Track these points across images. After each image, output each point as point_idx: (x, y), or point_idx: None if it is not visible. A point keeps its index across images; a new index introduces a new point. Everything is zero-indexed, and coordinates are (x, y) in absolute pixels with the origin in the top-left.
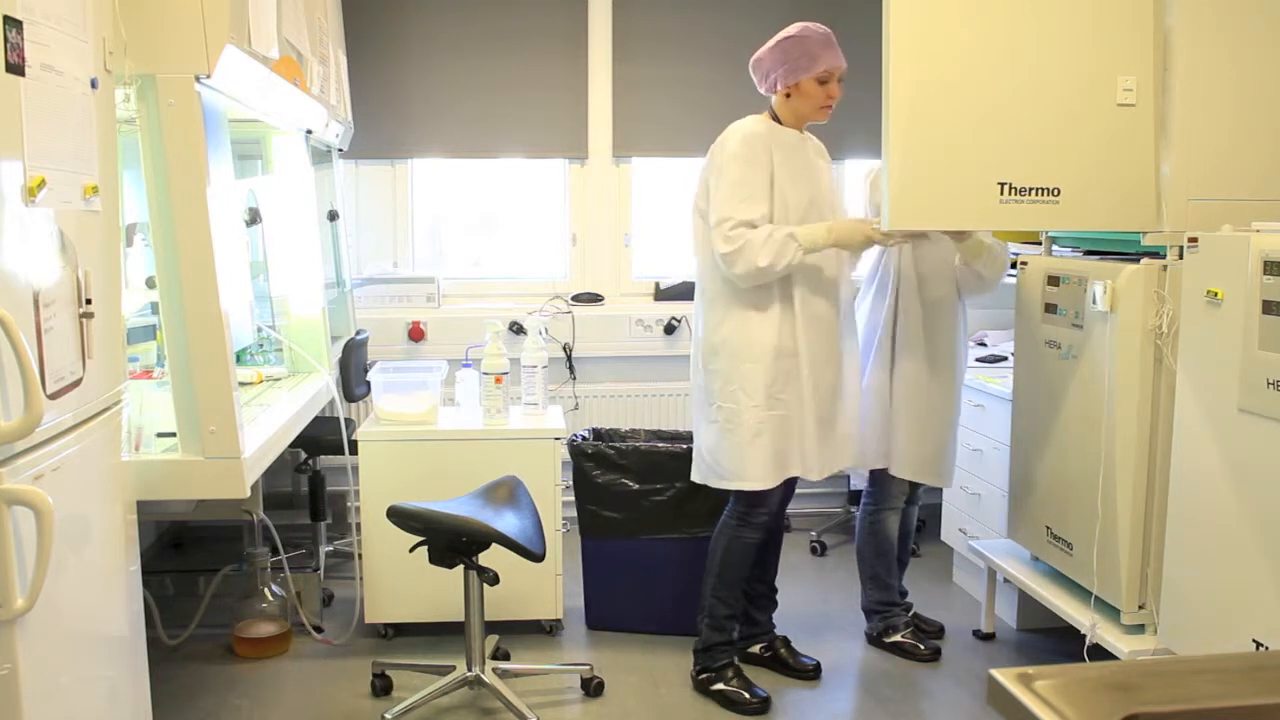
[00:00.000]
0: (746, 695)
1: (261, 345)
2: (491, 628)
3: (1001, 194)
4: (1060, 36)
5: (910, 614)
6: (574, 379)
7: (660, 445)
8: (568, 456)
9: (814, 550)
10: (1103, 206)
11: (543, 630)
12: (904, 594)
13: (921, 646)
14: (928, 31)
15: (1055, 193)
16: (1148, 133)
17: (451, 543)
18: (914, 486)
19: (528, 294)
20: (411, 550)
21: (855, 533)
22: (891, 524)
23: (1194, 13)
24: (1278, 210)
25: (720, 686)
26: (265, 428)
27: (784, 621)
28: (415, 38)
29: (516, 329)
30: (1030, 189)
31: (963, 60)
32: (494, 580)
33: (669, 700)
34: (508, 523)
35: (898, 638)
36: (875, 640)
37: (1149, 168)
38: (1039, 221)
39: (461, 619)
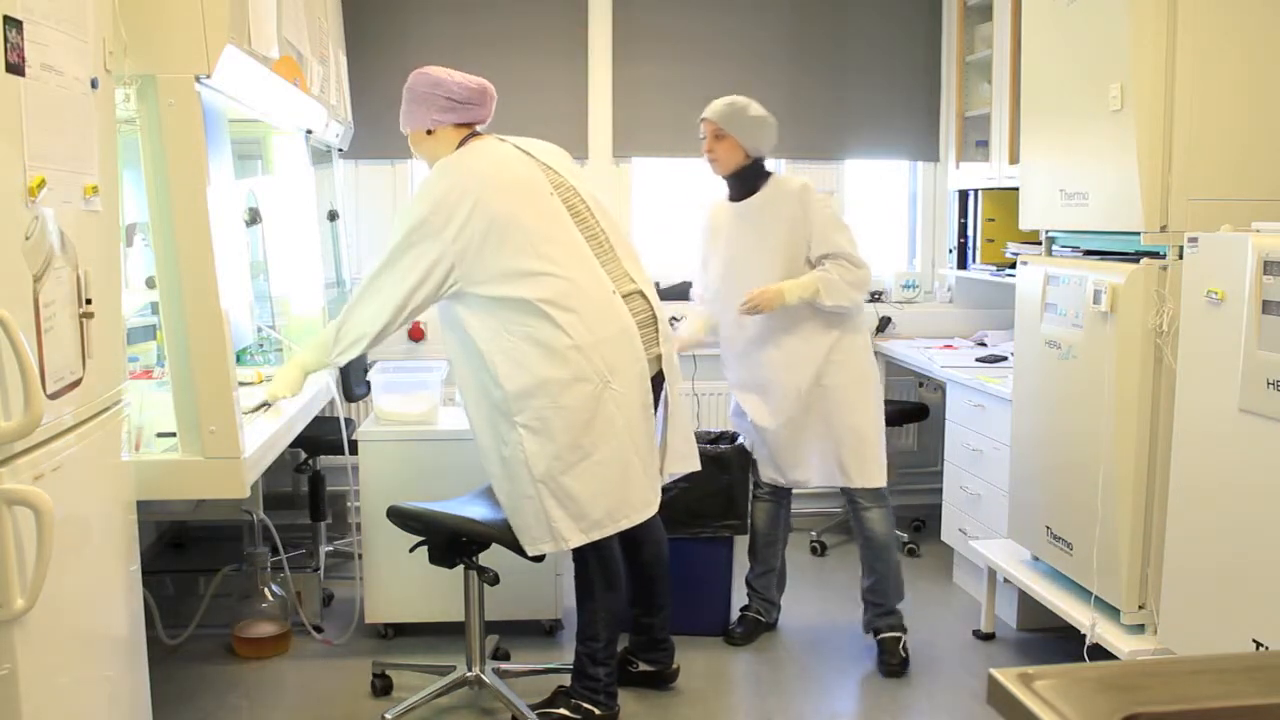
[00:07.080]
0: None
1: (261, 345)
2: (491, 628)
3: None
4: (1071, 46)
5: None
6: None
7: None
8: None
9: (814, 550)
10: (1105, 208)
11: (543, 630)
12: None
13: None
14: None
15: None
16: (1136, 135)
17: (451, 543)
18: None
19: None
20: (411, 550)
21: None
22: (870, 521)
23: (1197, 13)
24: (1278, 210)
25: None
26: (265, 428)
27: (784, 622)
28: (415, 38)
29: None
30: (1074, 193)
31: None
32: (494, 580)
33: (669, 700)
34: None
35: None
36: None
37: (1137, 169)
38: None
39: (461, 619)
